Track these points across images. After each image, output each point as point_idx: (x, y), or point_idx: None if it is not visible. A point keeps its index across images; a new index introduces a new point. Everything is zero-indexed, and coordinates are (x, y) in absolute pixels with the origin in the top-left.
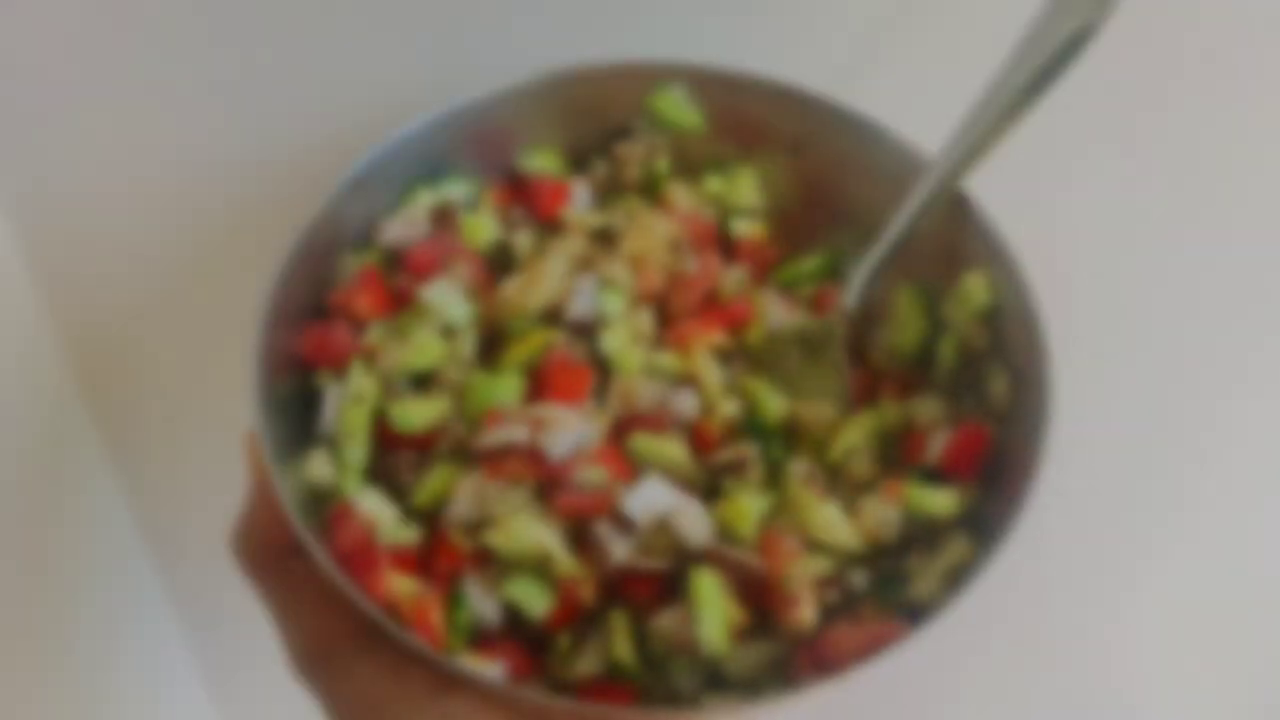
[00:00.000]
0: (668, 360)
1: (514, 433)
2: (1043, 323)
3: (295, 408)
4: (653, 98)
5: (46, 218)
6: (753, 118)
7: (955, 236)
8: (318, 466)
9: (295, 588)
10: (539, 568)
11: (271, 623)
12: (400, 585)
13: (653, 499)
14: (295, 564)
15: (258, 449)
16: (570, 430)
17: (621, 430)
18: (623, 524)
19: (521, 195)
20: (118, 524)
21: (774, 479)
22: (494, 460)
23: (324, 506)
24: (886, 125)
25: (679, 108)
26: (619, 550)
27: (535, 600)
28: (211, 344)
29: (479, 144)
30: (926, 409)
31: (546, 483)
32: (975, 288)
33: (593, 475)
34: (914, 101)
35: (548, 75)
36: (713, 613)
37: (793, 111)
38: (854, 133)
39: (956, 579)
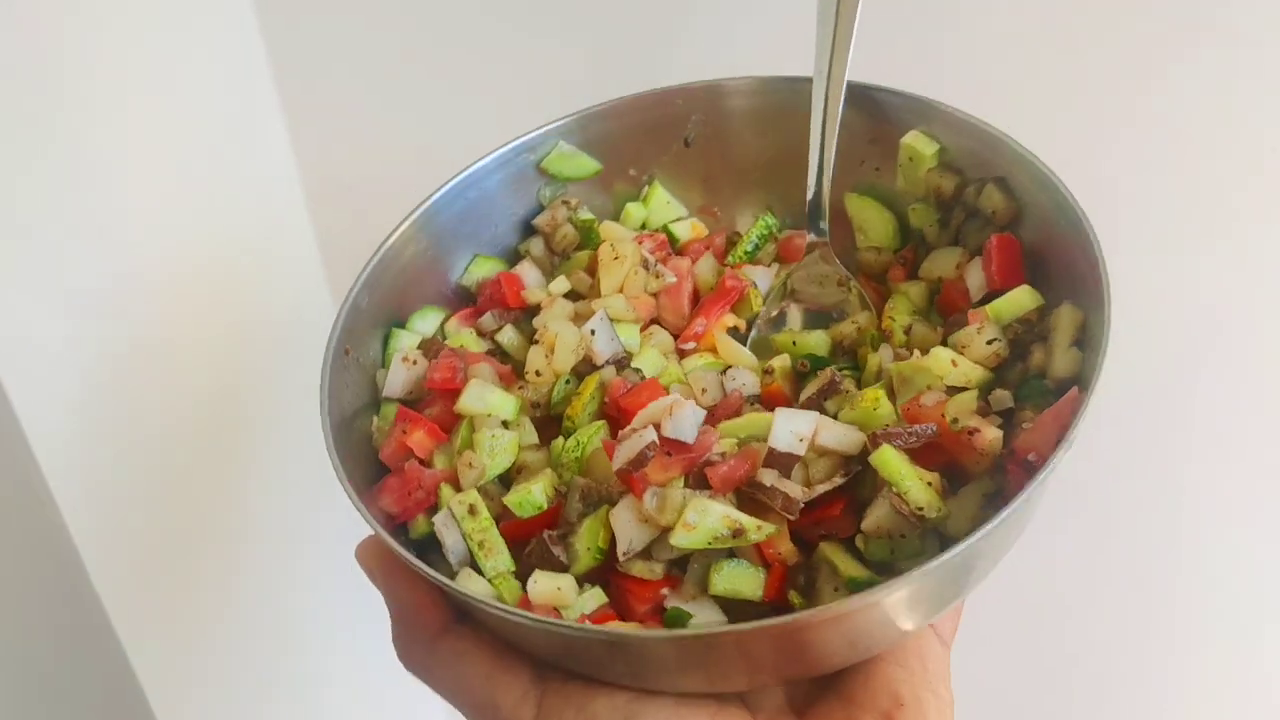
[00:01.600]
0: (699, 362)
1: (642, 437)
2: (997, 131)
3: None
4: (544, 162)
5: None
6: (638, 133)
7: (870, 125)
8: (472, 587)
9: (450, 666)
10: (734, 550)
11: (452, 704)
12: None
13: (795, 427)
14: (445, 643)
15: (371, 560)
16: (688, 407)
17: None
18: (784, 463)
19: (483, 304)
20: None
21: (861, 384)
22: (633, 476)
23: None
24: (745, 75)
25: (570, 159)
26: (795, 489)
27: (749, 580)
28: None
29: (425, 273)
30: (942, 262)
31: (695, 470)
32: (917, 142)
33: (725, 445)
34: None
35: (468, 175)
36: (912, 479)
37: (668, 108)
38: (730, 96)
39: (1084, 346)
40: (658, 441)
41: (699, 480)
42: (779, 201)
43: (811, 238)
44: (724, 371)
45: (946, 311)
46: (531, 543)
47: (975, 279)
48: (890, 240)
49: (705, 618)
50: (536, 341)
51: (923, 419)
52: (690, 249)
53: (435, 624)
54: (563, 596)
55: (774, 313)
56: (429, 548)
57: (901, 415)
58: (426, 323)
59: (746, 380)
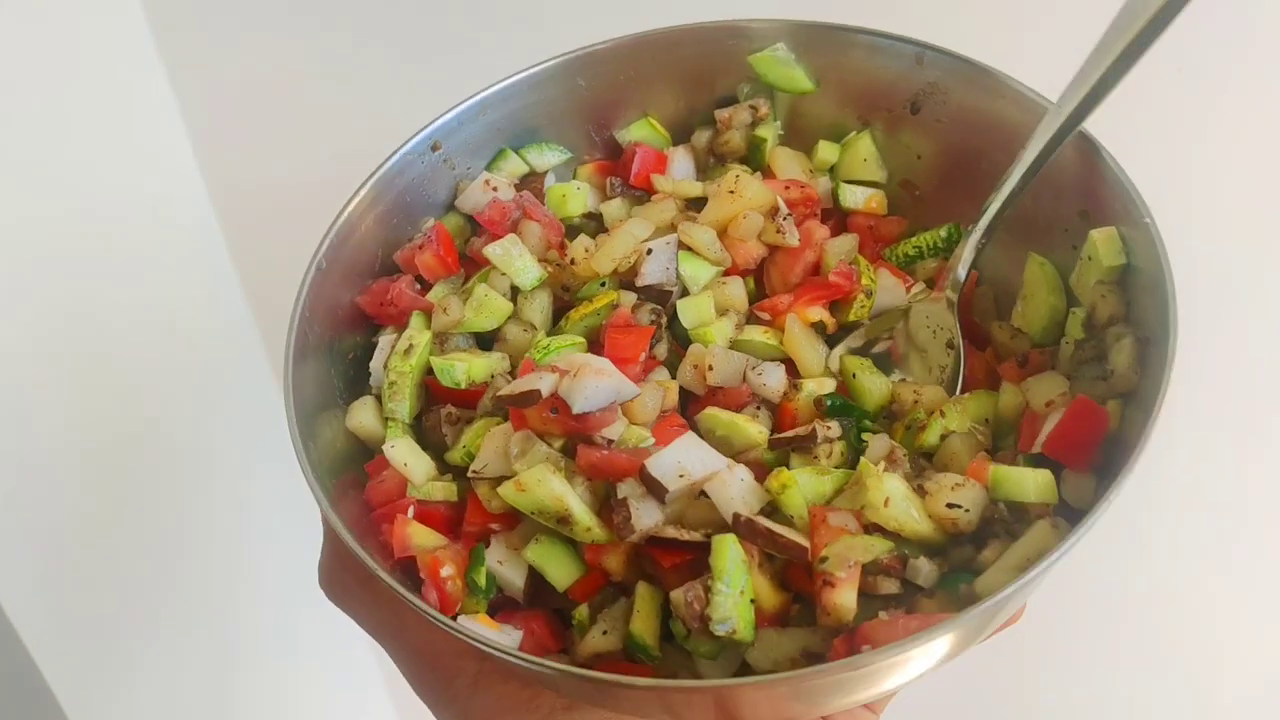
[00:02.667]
0: (759, 335)
1: (538, 380)
2: (1172, 286)
3: (353, 361)
4: (754, 55)
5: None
6: (866, 74)
7: (1087, 193)
8: (360, 415)
9: (386, 607)
10: (567, 533)
11: (380, 643)
12: (421, 537)
13: (685, 460)
14: (379, 585)
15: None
16: (599, 378)
17: (696, 408)
18: (654, 488)
19: (618, 167)
20: None
21: (855, 462)
22: (519, 411)
23: (366, 458)
24: (1010, 75)
25: (782, 66)
26: (646, 517)
27: (559, 566)
28: None
29: (577, 114)
30: (1045, 387)
31: (574, 439)
32: (1104, 246)
33: (630, 435)
34: (1033, 56)
35: (643, 35)
36: (733, 587)
37: (908, 62)
38: (974, 83)
39: (1026, 570)
40: (544, 395)
41: (574, 450)
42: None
43: (956, 270)
44: (755, 366)
45: (1017, 444)
46: (435, 408)
47: (1048, 426)
48: (1040, 329)
49: (507, 576)
50: (607, 229)
51: (815, 537)
52: (855, 223)
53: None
54: (411, 473)
55: (865, 343)
56: None
57: (809, 515)
58: (543, 158)
59: (771, 381)
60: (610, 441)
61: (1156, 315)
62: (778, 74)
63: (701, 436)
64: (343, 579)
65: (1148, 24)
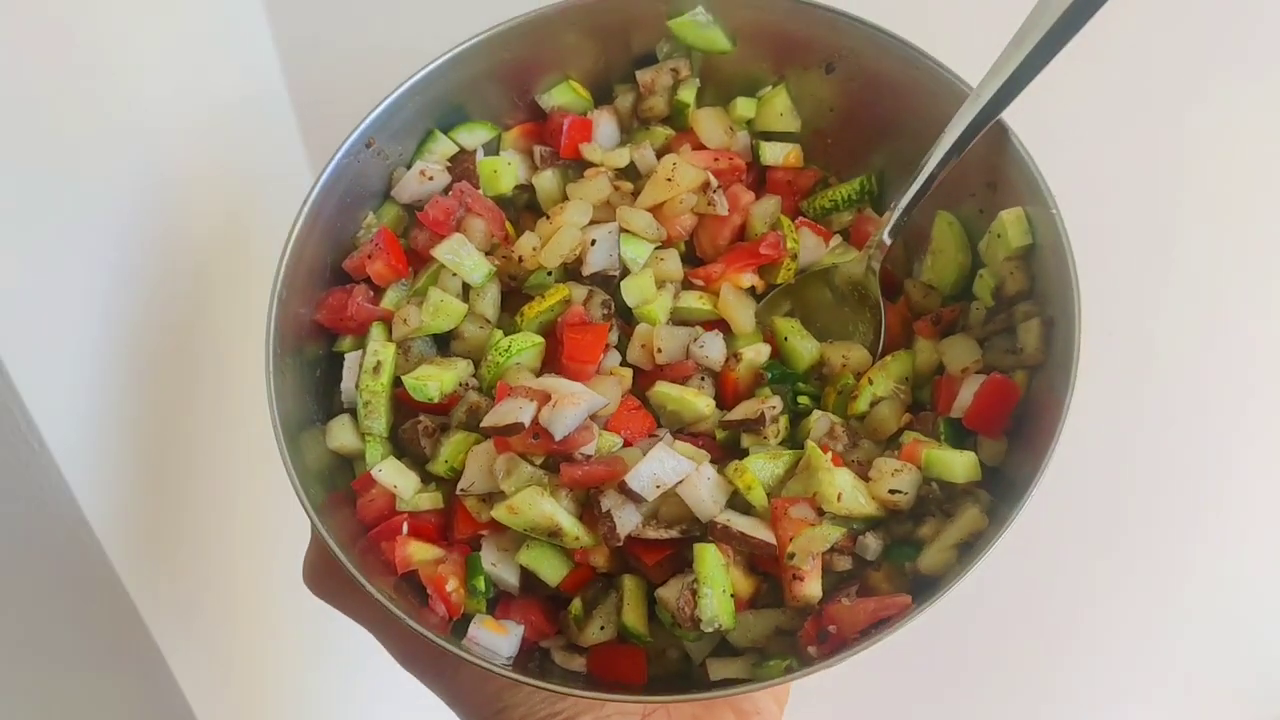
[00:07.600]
0: (695, 301)
1: (519, 411)
2: (1075, 272)
3: (320, 377)
4: (674, 20)
5: None
6: (783, 35)
7: (995, 168)
8: (340, 435)
9: (374, 605)
10: (557, 543)
11: (369, 631)
12: (420, 553)
13: (659, 472)
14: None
15: None
16: (577, 406)
17: (644, 381)
18: (634, 498)
19: (545, 133)
20: None
21: (796, 433)
22: (501, 434)
23: (348, 475)
24: (923, 48)
25: (701, 29)
26: (626, 522)
27: (550, 567)
28: None
29: (498, 82)
30: (959, 352)
31: (554, 456)
32: (1013, 227)
33: (603, 443)
34: (947, 28)
35: (568, 3)
36: (715, 588)
37: (825, 28)
38: (890, 53)
39: (968, 550)
40: (526, 425)
41: (555, 465)
42: (893, 171)
43: (880, 237)
44: (697, 339)
45: (932, 402)
46: (409, 423)
47: (965, 396)
48: (950, 284)
49: (502, 576)
50: (548, 216)
51: (778, 528)
52: (774, 176)
53: None
54: (400, 491)
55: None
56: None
57: (770, 508)
58: (472, 137)
59: (713, 353)
60: (588, 456)
61: (1060, 296)
62: (697, 36)
63: (653, 410)
64: (331, 580)
65: (1062, 17)
